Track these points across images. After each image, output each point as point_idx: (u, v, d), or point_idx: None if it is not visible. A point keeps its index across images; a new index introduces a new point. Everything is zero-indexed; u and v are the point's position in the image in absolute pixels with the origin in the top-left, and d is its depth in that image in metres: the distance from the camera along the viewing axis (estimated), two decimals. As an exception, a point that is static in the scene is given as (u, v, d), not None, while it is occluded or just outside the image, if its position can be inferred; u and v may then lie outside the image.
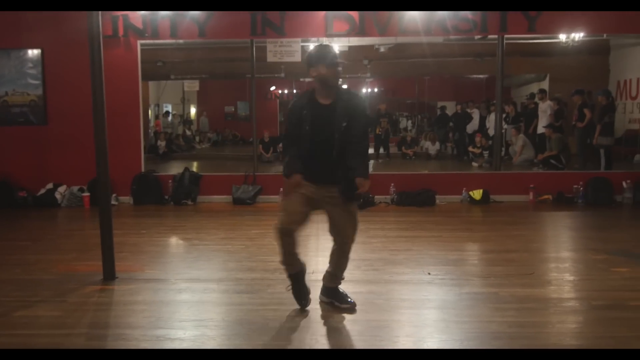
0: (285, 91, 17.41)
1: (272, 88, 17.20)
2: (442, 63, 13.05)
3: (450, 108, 14.60)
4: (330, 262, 3.67)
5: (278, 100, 17.61)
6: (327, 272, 3.70)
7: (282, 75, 13.19)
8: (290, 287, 3.62)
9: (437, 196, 7.61)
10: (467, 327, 3.29)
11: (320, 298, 3.73)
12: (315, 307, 3.68)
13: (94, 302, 3.83)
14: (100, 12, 4.14)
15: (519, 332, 3.22)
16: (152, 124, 15.20)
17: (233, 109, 18.40)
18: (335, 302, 3.65)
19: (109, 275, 4.28)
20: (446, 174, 9.17)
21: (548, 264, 4.75)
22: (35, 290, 4.09)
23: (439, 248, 5.25)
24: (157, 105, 16.54)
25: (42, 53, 7.82)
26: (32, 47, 7.82)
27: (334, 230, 3.57)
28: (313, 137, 3.34)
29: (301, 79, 16.29)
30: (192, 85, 15.57)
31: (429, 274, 4.34)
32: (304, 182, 3.39)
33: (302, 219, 3.41)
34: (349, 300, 3.65)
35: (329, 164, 3.37)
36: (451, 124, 13.62)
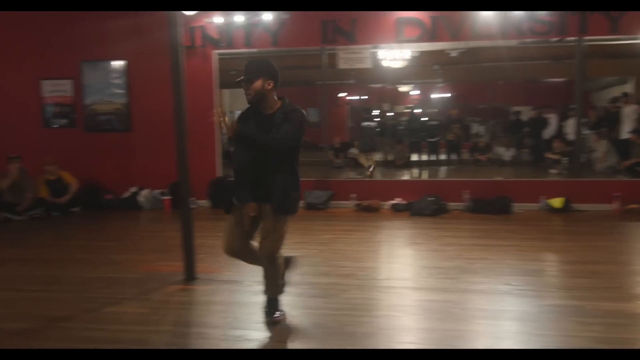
0: (356, 97, 17.45)
1: (342, 94, 17.29)
2: (517, 67, 12.63)
3: (525, 113, 14.12)
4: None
5: (348, 107, 17.67)
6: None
7: (352, 81, 13.26)
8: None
9: (513, 204, 7.37)
10: (550, 341, 3.17)
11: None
12: (391, 313, 3.66)
13: (176, 301, 4.00)
14: (181, 24, 4.33)
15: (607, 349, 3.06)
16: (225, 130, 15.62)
17: (303, 116, 18.60)
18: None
19: (190, 275, 4.45)
20: (523, 181, 8.84)
21: (636, 278, 4.49)
22: (122, 288, 4.32)
23: (517, 258, 5.07)
24: (231, 112, 17.04)
25: (127, 64, 8.28)
26: (118, 59, 8.30)
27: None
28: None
29: (370, 85, 16.31)
30: (263, 93, 15.89)
31: (508, 284, 4.21)
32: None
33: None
34: (276, 315, 3.56)
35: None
36: (526, 129, 13.16)
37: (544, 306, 3.73)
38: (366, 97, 18.01)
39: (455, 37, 7.68)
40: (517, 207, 7.42)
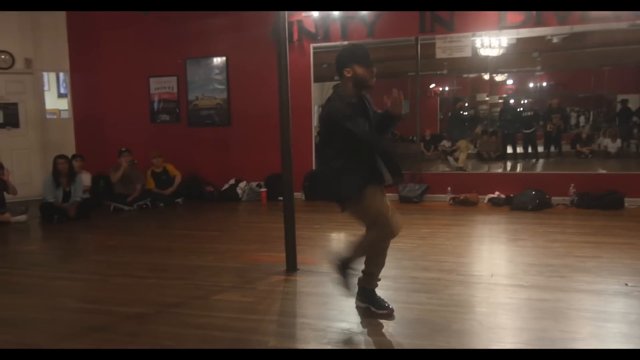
0: (447, 88, 17.00)
1: (432, 85, 16.92)
2: (626, 51, 11.74)
3: (633, 102, 13.09)
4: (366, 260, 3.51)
5: (438, 98, 17.27)
6: (362, 272, 3.54)
7: (445, 72, 12.91)
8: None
9: (625, 199, 6.87)
10: (680, 348, 2.92)
11: (356, 303, 3.60)
12: (496, 311, 3.54)
13: (280, 292, 4.10)
14: (286, 17, 4.40)
15: None
16: (316, 123, 15.82)
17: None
18: (372, 307, 3.51)
19: (292, 266, 4.54)
20: (637, 174, 8.23)
21: None
22: (227, 276, 4.49)
23: (634, 257, 4.71)
24: (321, 106, 17.22)
25: (227, 60, 8.58)
26: (218, 55, 8.62)
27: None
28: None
29: (464, 75, 15.80)
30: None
31: (627, 284, 3.93)
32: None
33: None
34: (387, 305, 3.48)
35: None
36: (635, 118, 12.20)
37: (669, 310, 3.45)
38: (459, 87, 17.48)
39: (563, 21, 7.27)
40: (630, 202, 6.91)
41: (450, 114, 13.53)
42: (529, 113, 12.40)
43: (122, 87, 9.14)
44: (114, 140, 8.95)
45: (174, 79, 8.89)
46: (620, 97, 14.56)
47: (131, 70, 9.06)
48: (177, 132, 8.92)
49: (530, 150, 12.08)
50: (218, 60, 8.63)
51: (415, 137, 9.13)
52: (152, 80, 9.01)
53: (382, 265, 3.56)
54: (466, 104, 16.85)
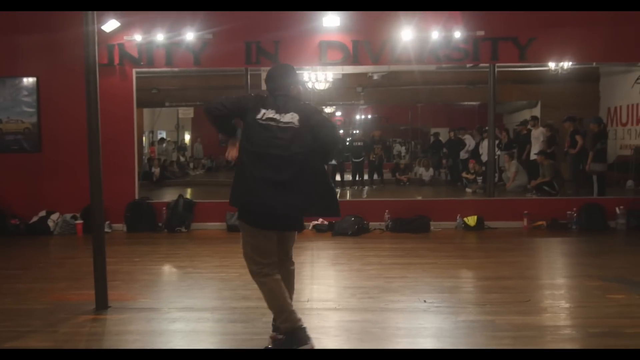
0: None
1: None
2: (435, 90, 13.24)
3: (443, 135, 14.73)
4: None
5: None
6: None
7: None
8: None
9: (431, 222, 7.61)
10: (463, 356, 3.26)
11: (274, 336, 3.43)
12: (313, 335, 3.63)
13: (86, 332, 3.77)
14: (96, 40, 4.17)
15: (516, 361, 3.18)
16: (146, 150, 15.22)
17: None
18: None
19: (102, 304, 4.22)
20: (440, 200, 9.20)
21: (544, 291, 4.74)
22: (26, 320, 4.02)
23: (435, 275, 5.22)
24: (152, 132, 16.59)
25: (37, 81, 7.87)
26: (28, 76, 7.87)
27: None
28: None
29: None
30: (186, 112, 15.66)
31: (425, 301, 4.32)
32: None
33: None
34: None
35: None
36: (445, 150, 13.72)
37: (459, 322, 3.85)
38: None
39: (376, 61, 7.91)
40: (435, 225, 7.67)
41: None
42: (359, 143, 13.21)
43: None
44: None
45: (-27, 99, 7.91)
46: (433, 131, 16.31)
47: None
48: (-25, 158, 7.89)
49: (357, 177, 12.88)
50: (27, 81, 7.87)
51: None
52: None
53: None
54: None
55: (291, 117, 3.17)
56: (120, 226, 7.82)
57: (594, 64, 9.35)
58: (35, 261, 6.18)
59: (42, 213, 7.76)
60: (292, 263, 3.50)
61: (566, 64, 8.54)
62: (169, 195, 9.27)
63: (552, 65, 8.78)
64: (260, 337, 3.59)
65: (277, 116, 3.17)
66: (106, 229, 7.13)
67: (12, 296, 4.65)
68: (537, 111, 13.10)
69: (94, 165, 4.22)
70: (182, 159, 17.04)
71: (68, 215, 7.72)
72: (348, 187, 12.52)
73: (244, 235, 3.28)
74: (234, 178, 3.26)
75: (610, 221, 7.69)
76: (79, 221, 7.61)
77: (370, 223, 7.67)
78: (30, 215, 7.76)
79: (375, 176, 13.09)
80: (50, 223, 7.65)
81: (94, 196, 4.26)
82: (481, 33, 7.67)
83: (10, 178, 7.85)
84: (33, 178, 7.86)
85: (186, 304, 4.39)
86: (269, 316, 3.95)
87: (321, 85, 11.36)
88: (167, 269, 5.90)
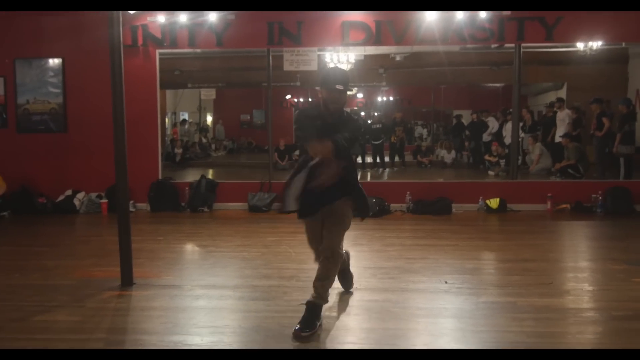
0: (301, 99, 17.47)
1: (288, 96, 17.27)
2: (459, 72, 13.01)
3: (466, 117, 14.54)
4: None
5: (293, 109, 17.66)
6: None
7: (298, 83, 13.27)
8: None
9: (453, 205, 7.56)
10: (484, 337, 3.26)
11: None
12: (333, 314, 3.67)
13: (112, 308, 3.87)
14: (121, 22, 4.20)
15: (538, 342, 3.18)
16: (169, 131, 15.35)
17: (249, 117, 18.52)
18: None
19: (127, 281, 4.31)
20: (462, 183, 9.12)
21: (566, 274, 4.69)
22: (54, 295, 4.14)
23: (456, 257, 5.20)
24: (174, 113, 16.70)
25: (63, 62, 7.97)
26: (53, 57, 7.97)
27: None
28: None
29: (317, 87, 16.35)
30: (208, 94, 15.71)
31: (446, 282, 4.31)
32: None
33: None
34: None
35: None
36: (467, 132, 13.56)
37: (479, 303, 3.84)
38: (312, 99, 18.03)
39: (399, 42, 7.82)
40: (457, 207, 7.62)
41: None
42: (378, 125, 13.14)
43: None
44: None
45: (0, 80, 8.03)
46: (455, 113, 16.10)
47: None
48: (3, 138, 8.04)
49: (378, 160, 12.84)
50: (53, 62, 7.97)
51: (267, 147, 9.19)
52: (-27, 80, 8.05)
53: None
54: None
55: None
56: (144, 205, 7.94)
57: (623, 44, 9.09)
58: (61, 239, 6.33)
59: (69, 192, 7.92)
60: None
61: (595, 45, 8.32)
62: (191, 176, 9.36)
63: (580, 45, 8.57)
64: (281, 314, 3.65)
65: None
66: (130, 208, 7.24)
67: (39, 272, 4.78)
68: (562, 93, 12.82)
69: (118, 146, 4.28)
70: (204, 140, 17.15)
71: (93, 195, 7.86)
72: (368, 169, 12.48)
73: (348, 222, 3.61)
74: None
75: (636, 205, 7.54)
76: (104, 200, 7.74)
77: (392, 205, 7.65)
78: (57, 194, 7.92)
79: (397, 158, 13.02)
80: (76, 202, 7.80)
81: (118, 176, 4.33)
82: (507, 12, 7.51)
83: (37, 158, 8.00)
84: (59, 158, 8.01)
85: (209, 281, 4.46)
86: (290, 294, 4.04)
87: (343, 67, 11.27)
88: (190, 247, 5.99)
